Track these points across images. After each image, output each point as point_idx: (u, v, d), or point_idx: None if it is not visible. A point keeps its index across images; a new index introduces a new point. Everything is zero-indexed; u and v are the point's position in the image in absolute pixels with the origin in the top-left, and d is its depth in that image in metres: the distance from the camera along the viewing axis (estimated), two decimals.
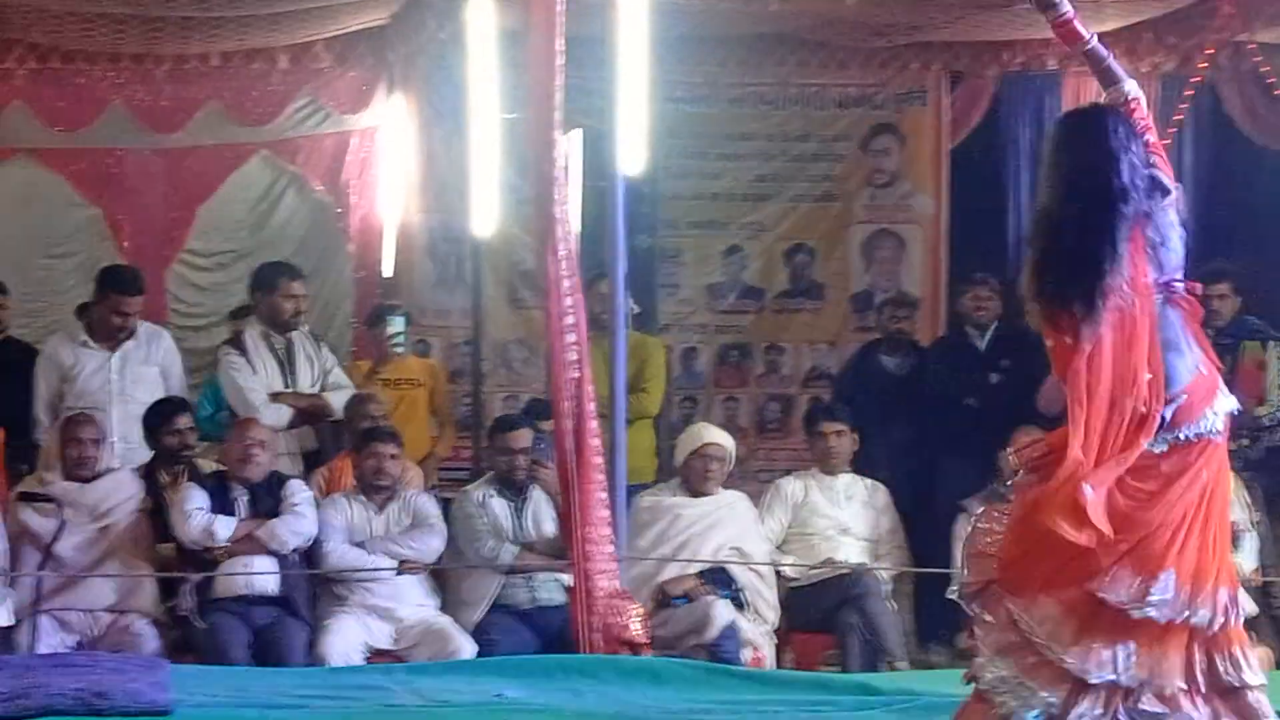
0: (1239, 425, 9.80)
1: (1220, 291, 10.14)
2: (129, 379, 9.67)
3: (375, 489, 8.92)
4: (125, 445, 9.45)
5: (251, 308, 10.10)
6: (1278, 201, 11.83)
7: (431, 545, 8.86)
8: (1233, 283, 10.17)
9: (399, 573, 8.73)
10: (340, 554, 8.74)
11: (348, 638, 8.53)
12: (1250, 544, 9.06)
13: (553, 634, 8.39)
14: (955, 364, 10.69)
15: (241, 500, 8.75)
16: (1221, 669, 5.24)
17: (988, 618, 5.32)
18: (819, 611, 9.18)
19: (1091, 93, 12.50)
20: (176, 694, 6.36)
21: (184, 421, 9.18)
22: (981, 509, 5.74)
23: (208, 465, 9.24)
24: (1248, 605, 8.90)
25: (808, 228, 12.84)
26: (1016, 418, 9.77)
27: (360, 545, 8.79)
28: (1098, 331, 5.25)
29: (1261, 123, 12.16)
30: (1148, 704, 5.12)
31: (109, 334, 9.73)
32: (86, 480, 8.79)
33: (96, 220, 11.92)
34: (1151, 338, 5.31)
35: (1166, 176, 5.47)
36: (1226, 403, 5.39)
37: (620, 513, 7.71)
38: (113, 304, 9.72)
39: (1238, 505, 9.05)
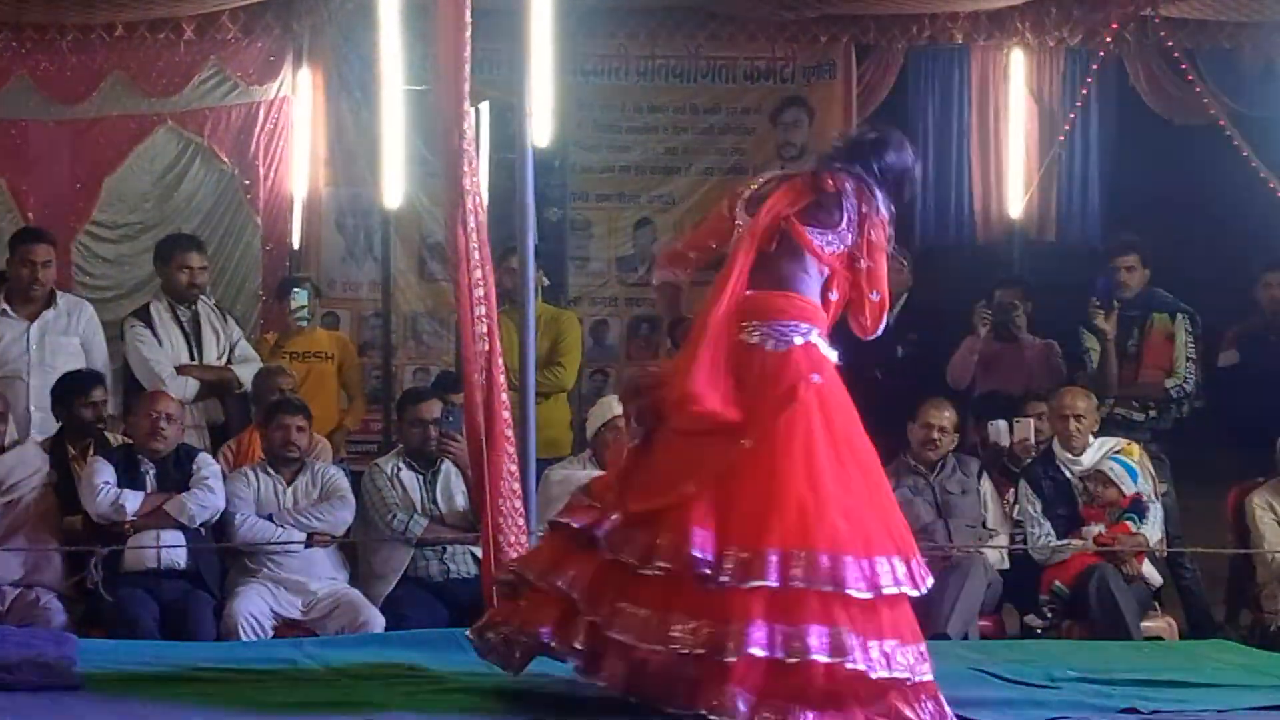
0: (1147, 395, 9.98)
1: (1128, 263, 10.24)
2: (48, 349, 9.60)
3: (283, 461, 8.90)
4: (42, 415, 9.40)
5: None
6: (1184, 175, 11.96)
7: (341, 517, 8.86)
8: (1141, 255, 10.26)
9: (308, 545, 8.72)
10: (249, 526, 8.73)
11: (256, 603, 8.52)
12: (1155, 515, 9.16)
13: (464, 607, 8.38)
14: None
15: (149, 474, 8.73)
16: None
17: None
18: None
19: (999, 66, 12.63)
20: (85, 667, 6.34)
21: (99, 394, 9.12)
22: None
23: (116, 438, 9.18)
24: (1153, 576, 9.08)
25: (717, 200, 12.84)
26: (923, 389, 9.89)
27: (269, 518, 8.77)
28: None
29: (1166, 97, 12.28)
30: None
31: (25, 297, 9.65)
32: None
33: (0, 192, 11.82)
34: None
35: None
36: None
37: (531, 486, 7.71)
38: (21, 256, 9.66)
39: (1142, 477, 9.16)
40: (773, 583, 5.46)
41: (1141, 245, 10.31)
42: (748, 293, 5.91)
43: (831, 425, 5.75)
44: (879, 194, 5.94)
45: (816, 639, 5.45)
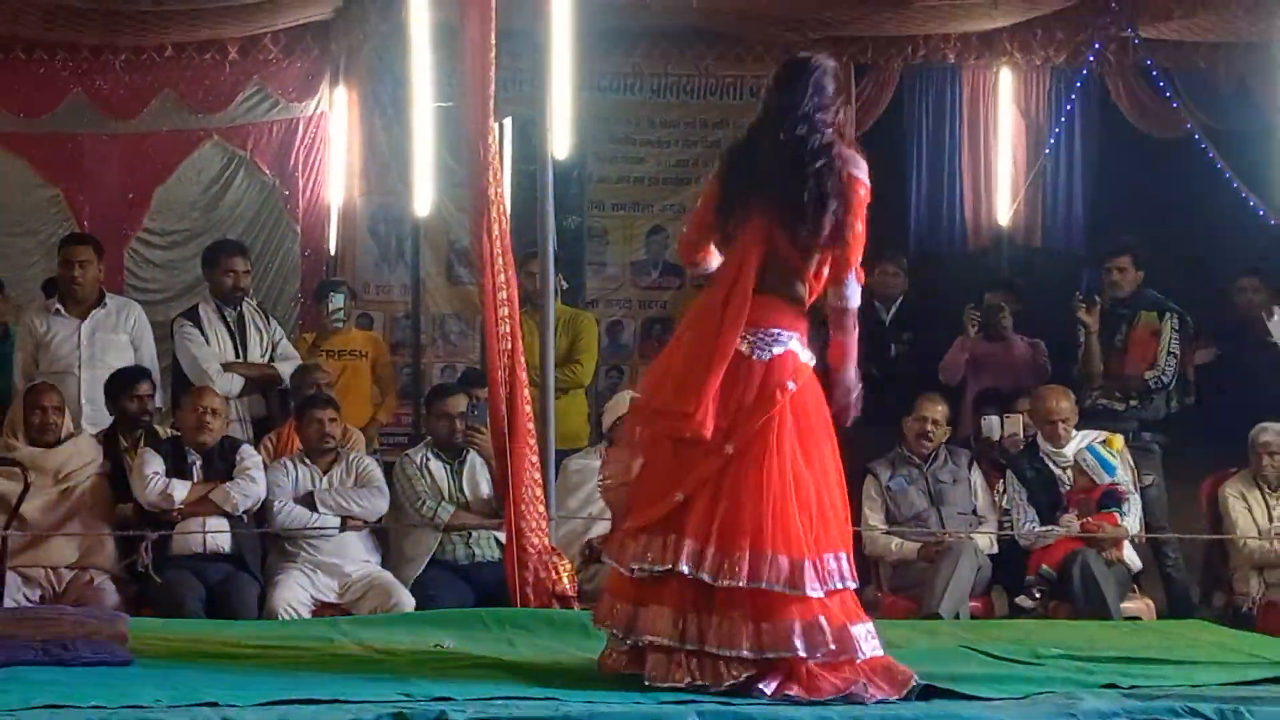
0: (1129, 387, 9.94)
1: (1120, 264, 10.18)
2: (99, 345, 9.59)
3: (319, 452, 8.89)
4: (93, 408, 9.40)
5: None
6: (1162, 185, 11.95)
7: (375, 505, 8.84)
8: (1134, 256, 10.19)
9: (342, 529, 8.71)
10: (287, 513, 8.72)
11: (296, 592, 8.52)
12: (1133, 504, 9.13)
13: (488, 588, 8.38)
14: (861, 336, 10.74)
15: (196, 464, 8.72)
16: None
17: None
18: None
19: (989, 84, 12.63)
20: (135, 644, 6.34)
21: (145, 389, 9.12)
22: None
23: (165, 431, 9.18)
24: (1133, 560, 9.06)
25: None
26: (918, 386, 9.89)
27: (309, 499, 8.76)
28: None
29: (1145, 112, 12.27)
30: None
31: (73, 298, 9.66)
32: (50, 445, 8.73)
33: (57, 201, 11.85)
34: None
35: None
36: None
37: (550, 475, 7.72)
38: (64, 257, 9.70)
39: (1121, 468, 9.14)
40: (741, 583, 5.52)
41: (1136, 248, 10.25)
42: None
43: (799, 430, 5.71)
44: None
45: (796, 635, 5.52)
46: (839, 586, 5.63)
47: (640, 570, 5.67)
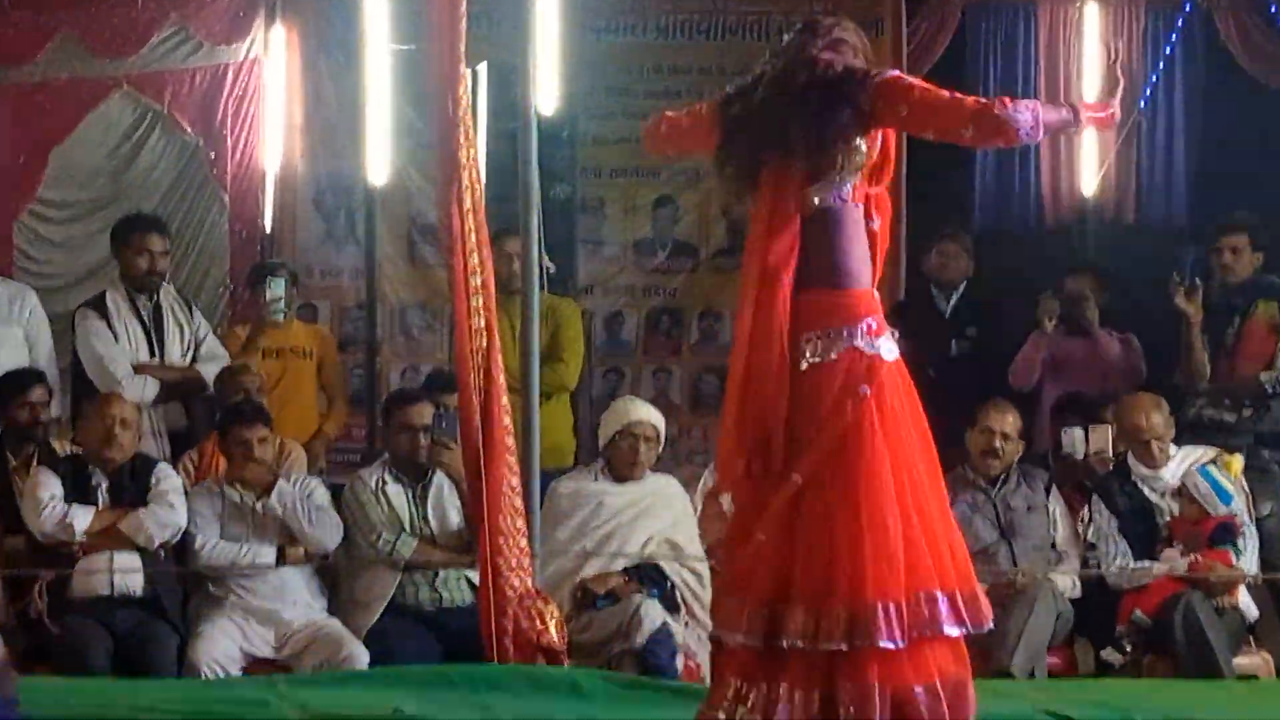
0: (1242, 392, 9.92)
1: (1235, 244, 10.13)
2: None
3: (247, 480, 8.88)
4: None
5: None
6: None
7: (321, 535, 8.83)
8: (1252, 236, 10.14)
9: (279, 563, 8.71)
10: (212, 549, 8.72)
11: (223, 644, 8.51)
12: (1250, 540, 9.11)
13: (458, 639, 8.39)
14: (916, 329, 10.73)
15: (101, 487, 8.73)
16: None
17: None
18: None
19: (1070, 21, 12.63)
20: (28, 709, 6.33)
21: (39, 394, 9.12)
22: None
23: (63, 447, 9.18)
24: (1249, 607, 9.04)
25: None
26: (984, 391, 9.86)
27: (236, 538, 8.76)
28: None
29: (1261, 55, 12.23)
30: None
31: None
32: None
33: None
34: None
35: None
36: None
37: (535, 500, 7.72)
38: None
39: (1236, 495, 9.12)
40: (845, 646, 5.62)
41: (1253, 224, 10.20)
42: None
43: (887, 444, 5.76)
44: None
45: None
46: (936, 634, 5.68)
47: (744, 642, 5.76)
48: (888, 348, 5.87)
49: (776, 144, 5.88)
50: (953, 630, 5.68)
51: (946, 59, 12.80)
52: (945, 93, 5.83)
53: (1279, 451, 9.86)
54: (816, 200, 5.87)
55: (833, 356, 5.79)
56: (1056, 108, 5.94)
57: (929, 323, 10.69)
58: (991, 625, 5.81)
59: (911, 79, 5.95)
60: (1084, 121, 5.92)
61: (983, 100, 5.76)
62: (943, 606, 5.68)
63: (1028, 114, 5.67)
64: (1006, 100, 5.71)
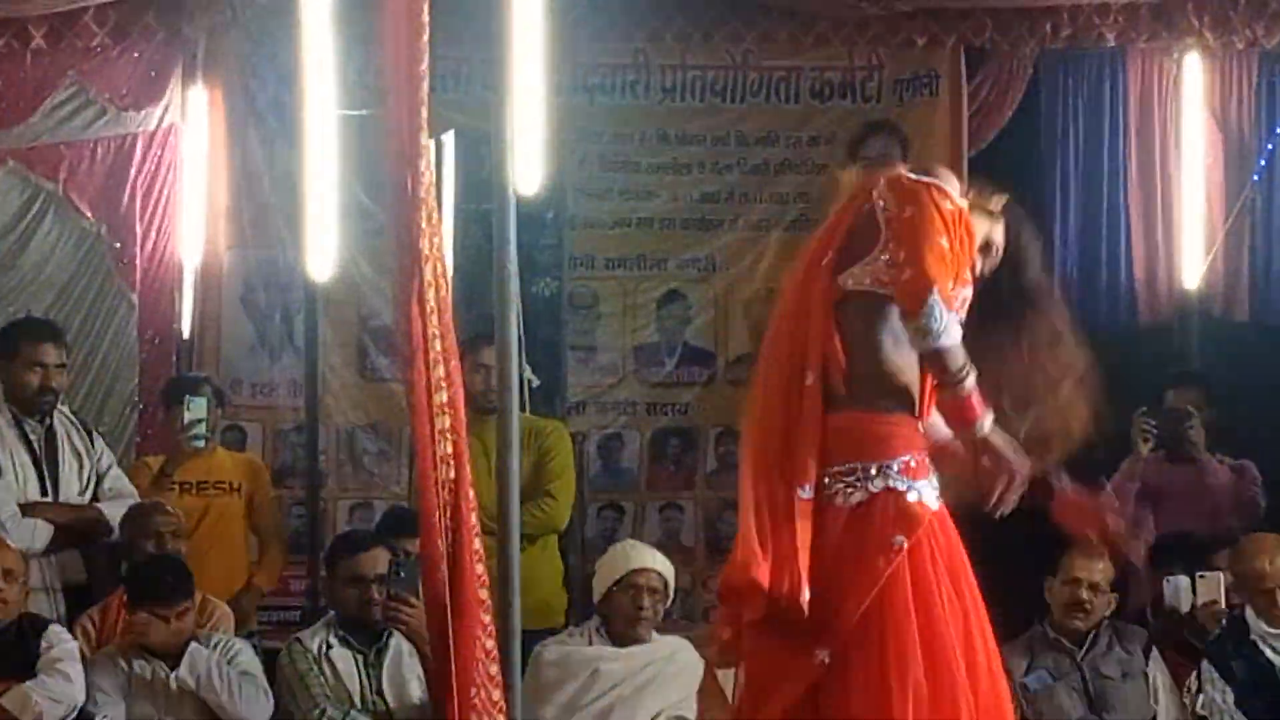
0: None
1: None
2: None
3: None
4: None
5: None
6: None
7: (245, 712, 8.81)
8: None
9: None
10: None
11: None
12: None
13: None
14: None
15: None
16: None
17: None
18: None
19: (1167, 76, 12.70)
20: None
21: None
22: None
23: None
24: None
25: (775, 266, 12.89)
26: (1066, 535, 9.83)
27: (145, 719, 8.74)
28: None
29: None
30: None
31: None
32: None
33: None
34: None
35: None
36: None
37: (515, 670, 7.68)
38: None
39: None
40: None
41: None
42: None
43: (921, 605, 5.77)
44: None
45: None
46: None
47: None
48: (926, 490, 5.89)
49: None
50: None
51: (1017, 121, 12.85)
52: None
53: None
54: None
55: (871, 491, 5.83)
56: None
57: None
58: None
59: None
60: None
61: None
62: None
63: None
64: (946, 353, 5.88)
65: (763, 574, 5.73)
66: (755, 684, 5.88)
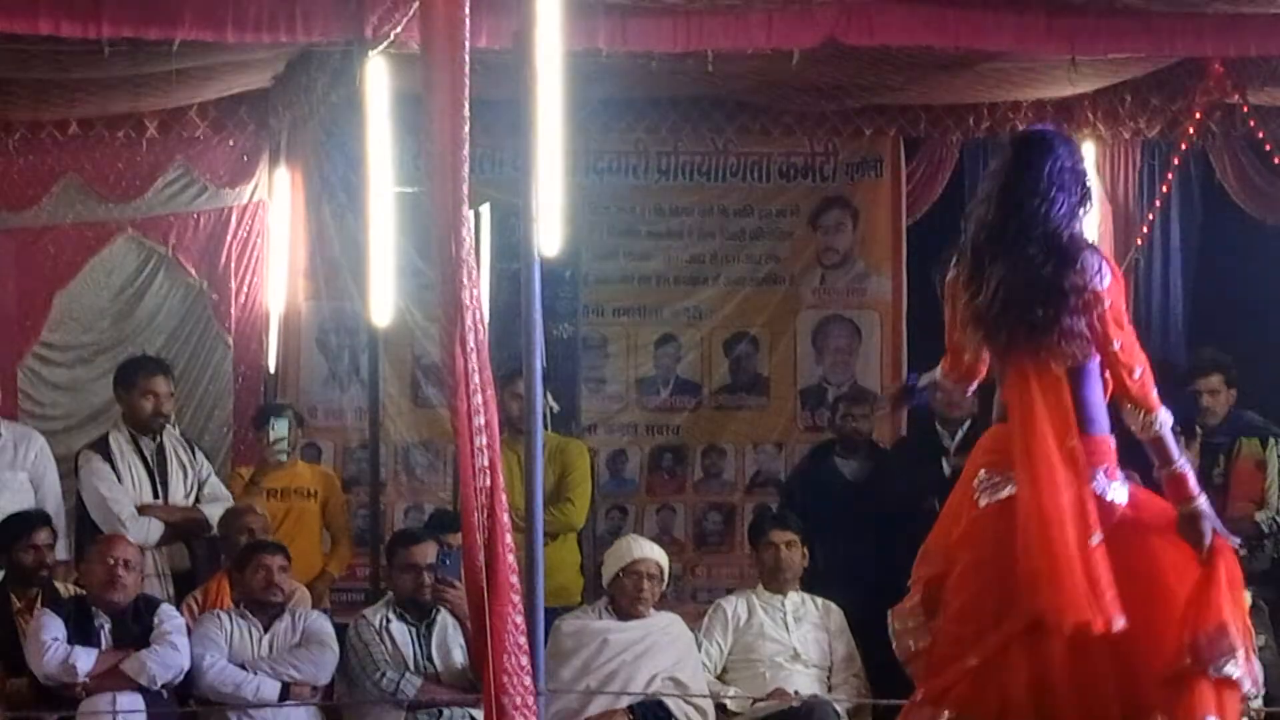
0: (1235, 532, 9.92)
1: (1211, 385, 10.21)
2: None
3: (262, 606, 8.88)
4: None
5: None
6: (1278, 282, 11.95)
7: (324, 664, 8.83)
8: (1225, 374, 10.23)
9: (283, 700, 8.69)
10: (219, 672, 8.67)
11: None
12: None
13: None
14: (919, 461, 10.73)
15: (105, 629, 8.70)
16: None
17: None
18: None
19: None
20: None
21: (43, 537, 9.09)
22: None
23: (67, 589, 9.17)
24: None
25: (750, 314, 12.93)
26: None
27: (242, 666, 8.75)
28: None
29: (1257, 194, 12.30)
30: None
31: None
32: None
33: None
34: None
35: None
36: None
37: (539, 639, 7.71)
38: None
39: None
40: None
41: (1226, 363, 10.28)
42: None
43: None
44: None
45: None
46: None
47: None
48: (1119, 491, 5.87)
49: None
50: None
51: (945, 198, 12.87)
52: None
53: (1265, 589, 9.87)
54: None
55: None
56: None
57: (933, 457, 10.70)
58: None
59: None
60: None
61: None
62: None
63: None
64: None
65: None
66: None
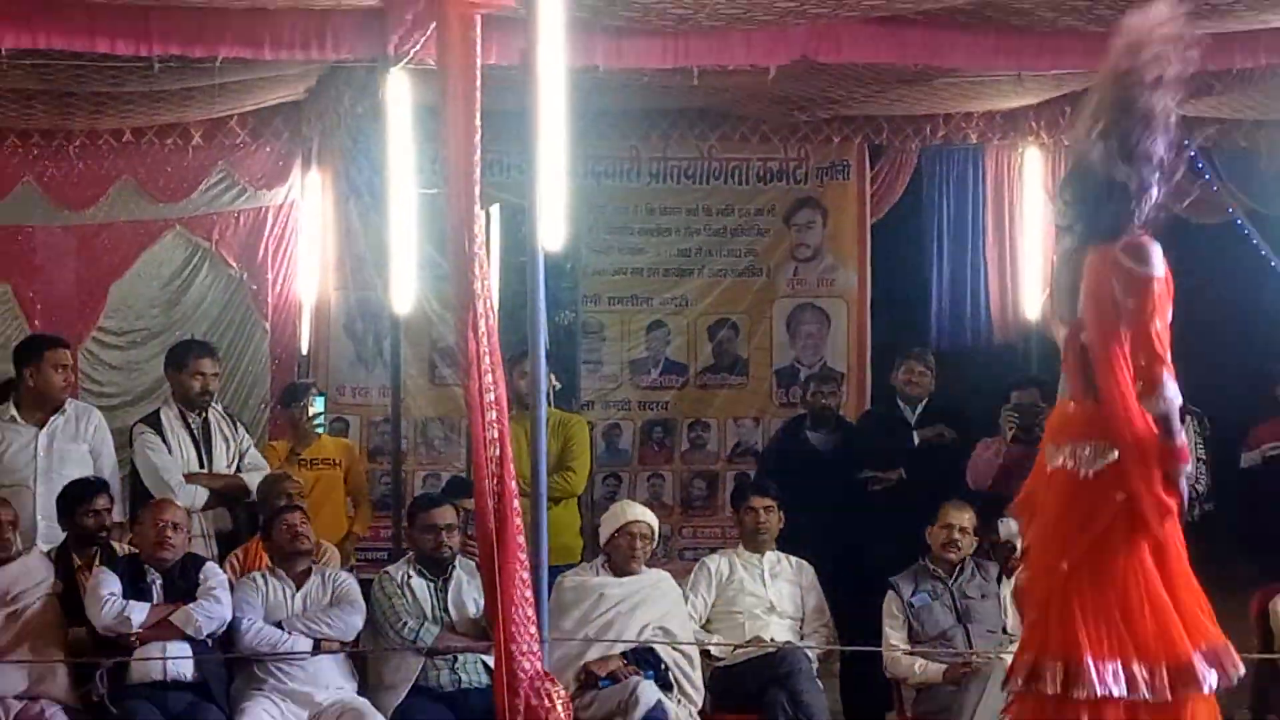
0: None
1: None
2: (56, 456, 9.54)
3: (293, 558, 8.85)
4: (49, 525, 9.30)
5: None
6: (1201, 272, 11.91)
7: (352, 622, 8.80)
8: None
9: (315, 652, 8.67)
10: (256, 633, 8.66)
11: None
12: None
13: (476, 717, 8.34)
14: (884, 434, 10.73)
15: (156, 584, 8.68)
16: None
17: None
18: (746, 691, 9.15)
19: (1014, 165, 12.70)
20: None
21: (103, 503, 9.06)
22: None
23: (122, 548, 9.15)
24: None
25: (731, 302, 12.90)
26: (942, 494, 9.84)
27: (278, 625, 8.72)
28: None
29: (1183, 195, 12.25)
30: None
31: (38, 404, 9.63)
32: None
33: (6, 297, 11.86)
34: None
35: None
36: None
37: (543, 593, 7.69)
38: (54, 360, 9.64)
39: None
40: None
41: None
42: None
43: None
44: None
45: None
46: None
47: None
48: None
49: None
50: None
51: (905, 198, 12.87)
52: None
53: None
54: None
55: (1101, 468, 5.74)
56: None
57: (896, 431, 10.70)
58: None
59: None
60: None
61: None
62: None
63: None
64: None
65: None
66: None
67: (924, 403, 10.82)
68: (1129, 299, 5.68)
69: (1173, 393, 5.67)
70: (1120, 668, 5.55)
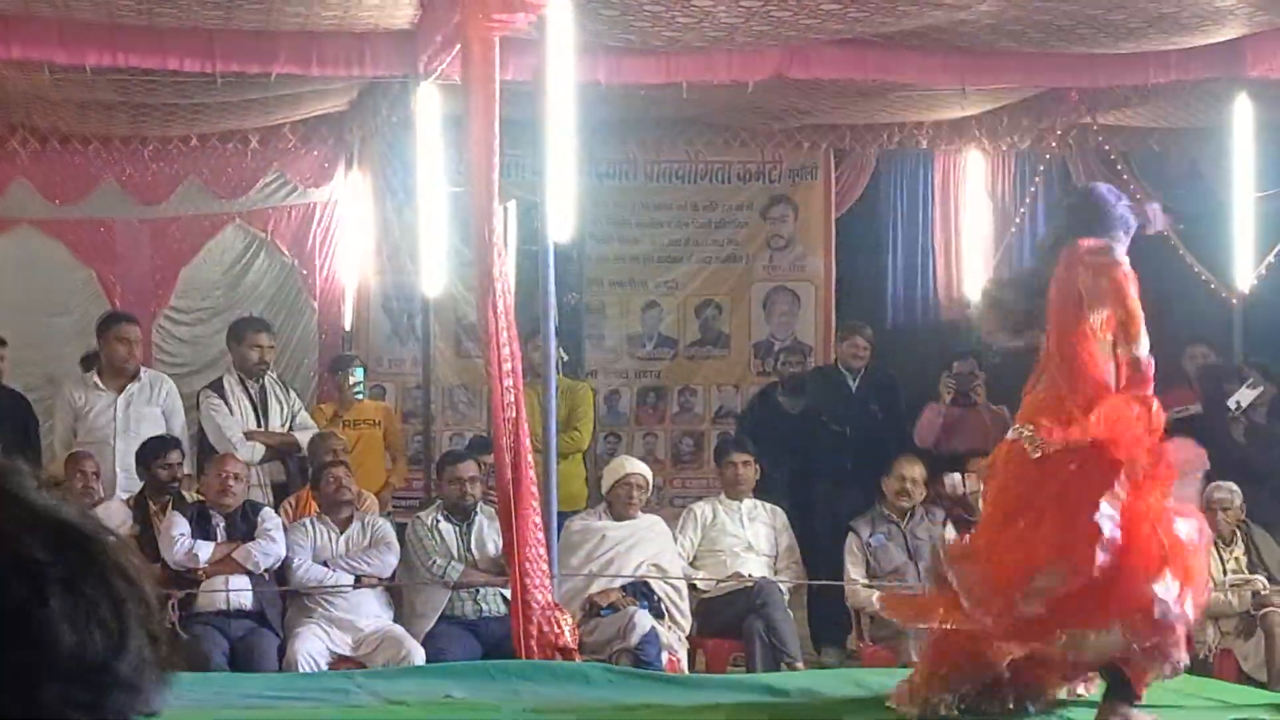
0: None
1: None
2: (133, 417, 9.57)
3: (336, 509, 8.87)
4: (127, 476, 9.34)
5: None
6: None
7: (387, 561, 8.82)
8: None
9: (356, 586, 8.69)
10: (306, 570, 8.69)
11: (314, 644, 8.48)
12: None
13: (495, 642, 8.35)
14: (827, 399, 10.78)
15: (219, 526, 8.69)
16: None
17: None
18: (727, 619, 9.17)
19: (959, 168, 12.71)
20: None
21: (175, 458, 9.08)
22: None
23: (191, 495, 9.17)
24: None
25: (715, 285, 12.92)
26: (892, 450, 9.87)
27: (324, 564, 8.75)
28: None
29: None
30: None
31: (117, 372, 9.65)
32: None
33: (90, 281, 11.88)
34: None
35: None
36: None
37: (553, 535, 7.71)
38: (117, 334, 9.68)
39: None
40: None
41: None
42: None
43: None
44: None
45: None
46: None
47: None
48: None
49: None
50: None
51: (865, 196, 12.88)
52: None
53: None
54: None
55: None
56: None
57: (839, 396, 10.74)
58: None
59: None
60: None
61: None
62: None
63: None
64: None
65: None
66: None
67: (862, 372, 10.85)
68: (1101, 279, 5.66)
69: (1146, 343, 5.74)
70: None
